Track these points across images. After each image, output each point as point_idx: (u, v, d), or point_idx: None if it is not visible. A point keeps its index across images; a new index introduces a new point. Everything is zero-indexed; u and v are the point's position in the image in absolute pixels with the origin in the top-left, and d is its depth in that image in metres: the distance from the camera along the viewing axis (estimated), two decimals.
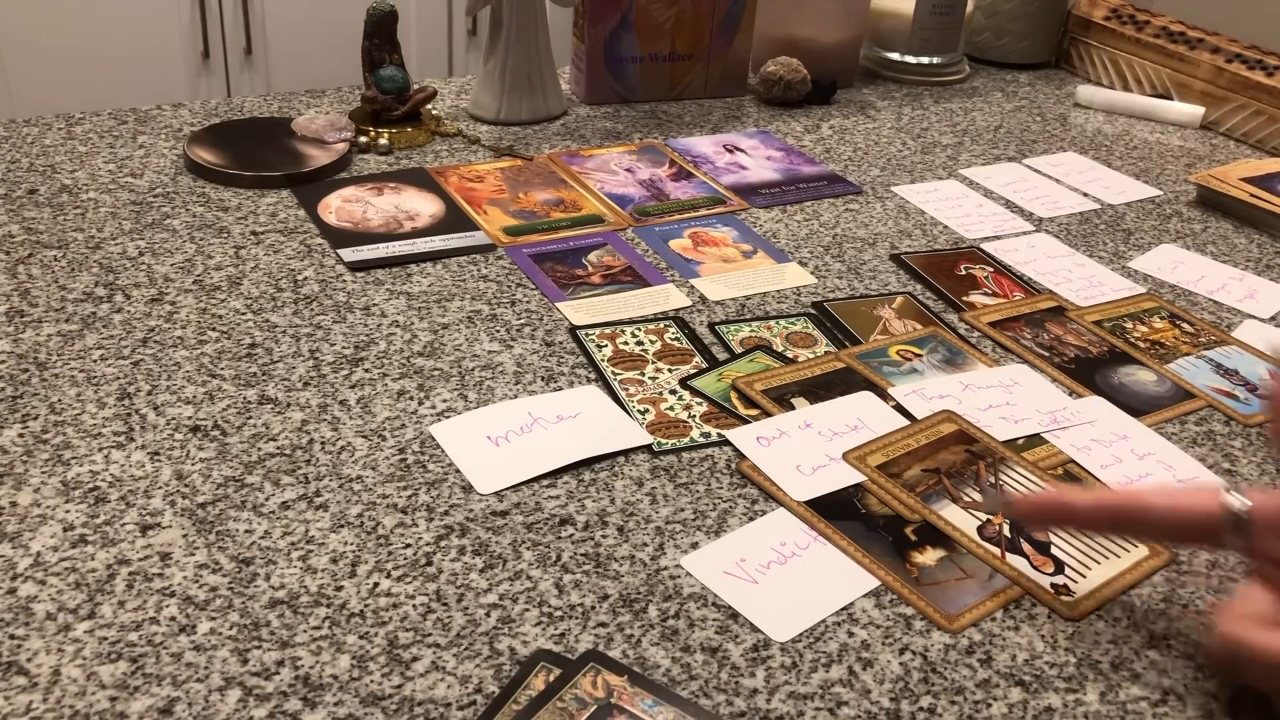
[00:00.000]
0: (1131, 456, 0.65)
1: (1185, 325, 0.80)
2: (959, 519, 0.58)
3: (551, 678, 0.47)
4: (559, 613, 0.51)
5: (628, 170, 0.97)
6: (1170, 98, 1.24)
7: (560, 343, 0.71)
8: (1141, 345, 0.77)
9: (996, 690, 0.49)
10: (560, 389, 0.67)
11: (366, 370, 0.67)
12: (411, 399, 0.65)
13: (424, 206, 0.87)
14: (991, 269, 0.86)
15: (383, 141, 0.96)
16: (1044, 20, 1.32)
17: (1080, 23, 1.34)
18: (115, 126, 0.97)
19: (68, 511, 0.55)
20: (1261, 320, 0.82)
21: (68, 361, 0.66)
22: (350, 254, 0.79)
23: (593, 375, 0.68)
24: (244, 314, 0.72)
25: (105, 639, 0.48)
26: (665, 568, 0.54)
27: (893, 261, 0.86)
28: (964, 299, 0.81)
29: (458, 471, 0.59)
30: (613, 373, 0.69)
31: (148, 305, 0.72)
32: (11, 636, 0.48)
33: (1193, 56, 1.21)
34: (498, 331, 0.72)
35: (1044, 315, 0.80)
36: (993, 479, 0.62)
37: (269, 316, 0.72)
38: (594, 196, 0.92)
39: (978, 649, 0.51)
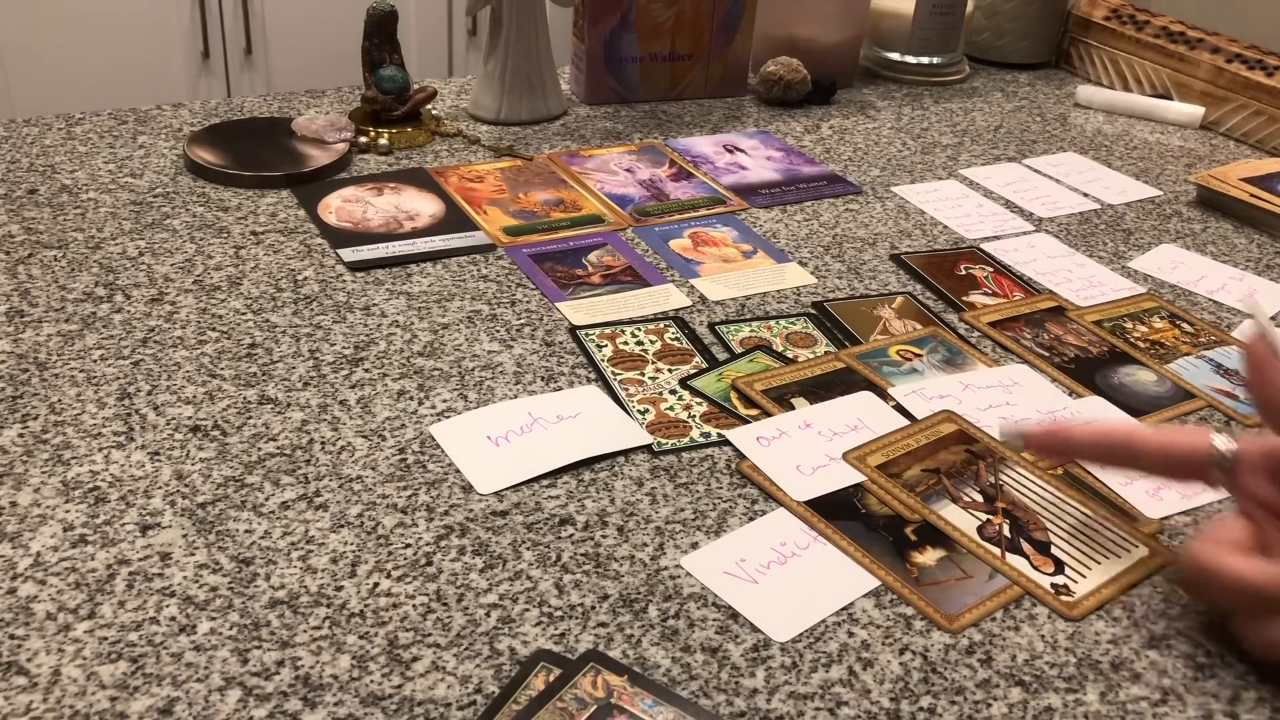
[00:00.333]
0: None
1: (1185, 325, 0.80)
2: (959, 519, 0.58)
3: (551, 678, 0.47)
4: (559, 613, 0.51)
5: (628, 170, 0.97)
6: (1170, 98, 1.24)
7: (560, 343, 0.71)
8: (1141, 345, 0.77)
9: (996, 690, 0.49)
10: (560, 389, 0.67)
11: (366, 370, 0.67)
12: (411, 399, 0.65)
13: (424, 206, 0.87)
14: (991, 269, 0.86)
15: (383, 141, 0.96)
16: (1044, 20, 1.32)
17: (1080, 23, 1.34)
18: (115, 126, 0.97)
19: (68, 511, 0.55)
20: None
21: (68, 361, 0.66)
22: (350, 254, 0.79)
23: (593, 375, 0.68)
24: (244, 314, 0.72)
25: (105, 639, 0.48)
26: (665, 568, 0.54)
27: (893, 261, 0.86)
28: (964, 299, 0.81)
29: (458, 471, 0.59)
30: (613, 373, 0.69)
31: (148, 305, 0.72)
32: (11, 636, 0.48)
33: (1193, 56, 1.21)
34: (498, 331, 0.72)
35: (1044, 315, 0.80)
36: (992, 479, 0.62)
37: (269, 316, 0.72)
38: (594, 196, 0.92)
39: (978, 649, 0.51)
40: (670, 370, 0.69)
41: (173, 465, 0.58)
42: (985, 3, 1.32)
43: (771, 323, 0.76)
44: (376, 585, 0.52)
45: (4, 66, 1.99)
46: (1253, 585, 0.49)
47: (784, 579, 0.54)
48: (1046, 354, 0.75)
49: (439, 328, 0.72)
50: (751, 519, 0.58)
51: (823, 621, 0.52)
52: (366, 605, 0.51)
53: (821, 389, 0.69)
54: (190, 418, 0.62)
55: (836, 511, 0.58)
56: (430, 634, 0.49)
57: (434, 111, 1.04)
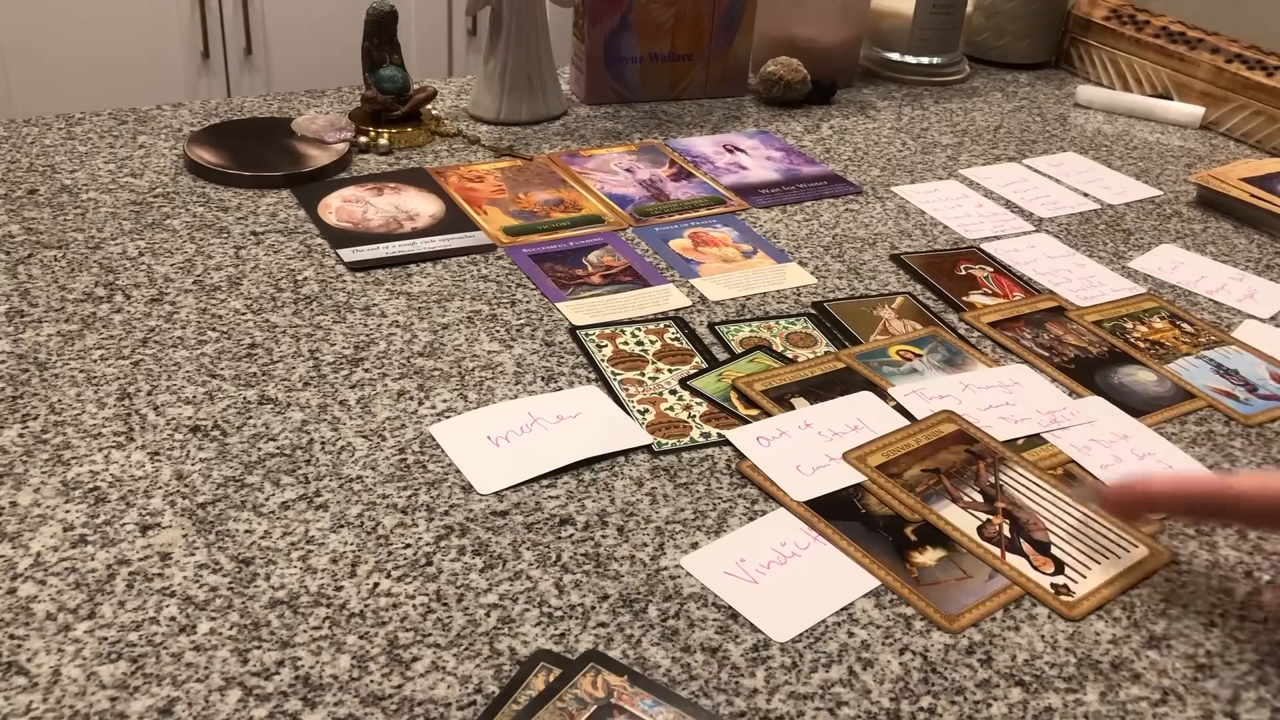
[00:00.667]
0: (1131, 456, 0.65)
1: (1185, 325, 0.80)
2: (959, 519, 0.58)
3: (551, 678, 0.47)
4: (559, 613, 0.51)
5: (628, 170, 0.97)
6: (1170, 98, 1.24)
7: (560, 343, 0.71)
8: (1141, 345, 0.77)
9: (996, 690, 0.49)
10: (560, 389, 0.67)
11: (366, 370, 0.67)
12: (411, 399, 0.65)
13: (424, 206, 0.87)
14: (991, 269, 0.86)
15: (383, 141, 0.96)
16: (1044, 20, 1.32)
17: (1080, 23, 1.34)
18: (115, 126, 0.97)
19: (68, 511, 0.55)
20: (1261, 320, 0.82)
21: (68, 361, 0.66)
22: (350, 254, 0.79)
23: (593, 375, 0.68)
24: (244, 314, 0.72)
25: (105, 639, 0.48)
26: (665, 568, 0.54)
27: (893, 261, 0.86)
28: (964, 299, 0.81)
29: (458, 471, 0.59)
30: (613, 373, 0.69)
31: (148, 305, 0.72)
32: (11, 636, 0.48)
33: (1193, 56, 1.21)
34: (498, 331, 0.72)
35: (1044, 315, 0.80)
36: (992, 479, 0.62)
37: (269, 316, 0.72)
38: (594, 196, 0.92)
39: (978, 649, 0.51)
40: (670, 370, 0.69)
41: (173, 465, 0.58)
42: (985, 3, 1.32)
43: (771, 323, 0.76)
44: (376, 585, 0.52)
45: (4, 66, 1.99)
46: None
47: (784, 579, 0.54)
48: (1046, 354, 0.75)
49: (439, 328, 0.72)
50: (751, 519, 0.58)
51: (823, 621, 0.52)
52: (366, 605, 0.51)
53: (821, 389, 0.68)
54: (190, 418, 0.62)
55: (836, 511, 0.58)
56: (430, 634, 0.49)
57: (434, 111, 1.04)
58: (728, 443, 0.63)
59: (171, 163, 0.91)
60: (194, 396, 0.64)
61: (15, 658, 0.47)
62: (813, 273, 0.83)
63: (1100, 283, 0.85)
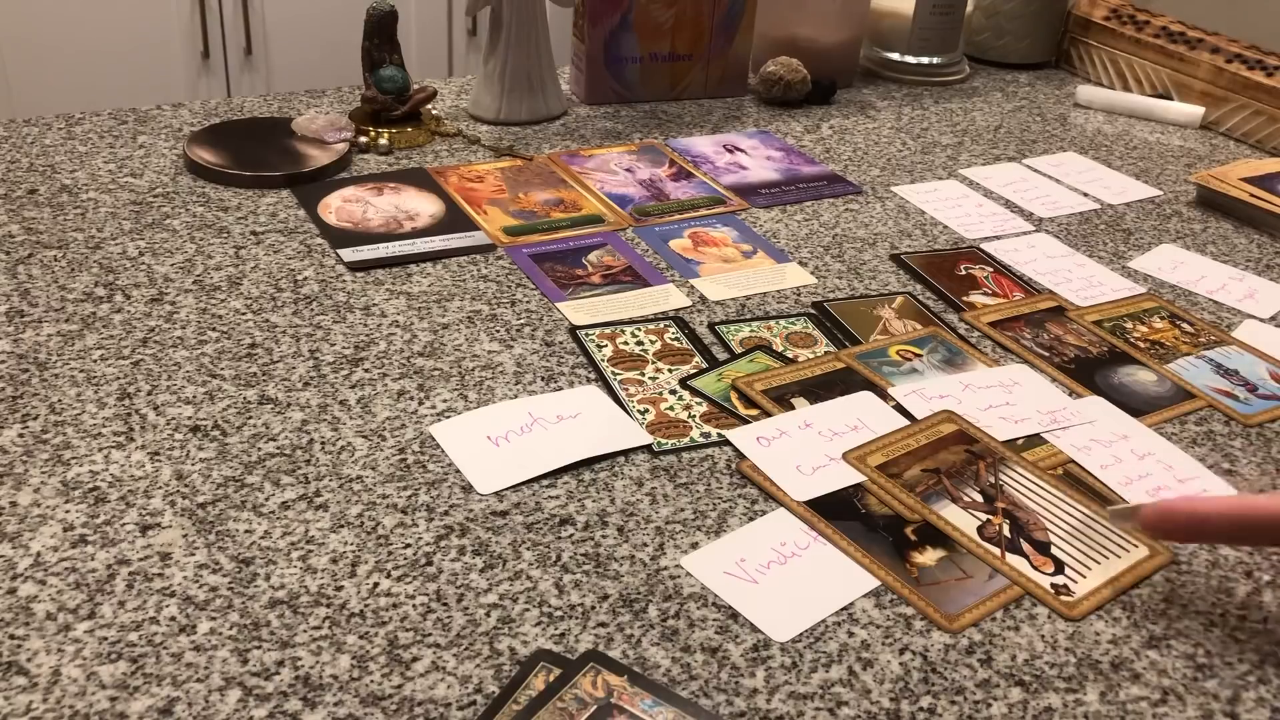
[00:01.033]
0: (1131, 456, 0.65)
1: (1185, 325, 0.80)
2: (959, 519, 0.58)
3: (551, 678, 0.47)
4: (559, 613, 0.51)
5: (628, 170, 0.97)
6: (1170, 98, 1.24)
7: (560, 343, 0.71)
8: (1141, 345, 0.77)
9: (996, 690, 0.49)
10: (560, 389, 0.67)
11: (366, 370, 0.67)
12: (411, 399, 0.65)
13: (424, 206, 0.87)
14: (991, 269, 0.86)
15: (383, 141, 0.96)
16: (1044, 20, 1.32)
17: (1080, 23, 1.34)
18: (115, 126, 0.97)
19: (68, 511, 0.55)
20: (1261, 320, 0.82)
21: (68, 361, 0.66)
22: (350, 254, 0.79)
23: (593, 375, 0.68)
24: (244, 314, 0.72)
25: (105, 639, 0.48)
26: (665, 568, 0.54)
27: (893, 261, 0.86)
28: (964, 299, 0.81)
29: (458, 471, 0.59)
30: (613, 373, 0.69)
31: (148, 305, 0.72)
32: (11, 636, 0.48)
33: (1193, 56, 1.21)
34: (498, 331, 0.72)
35: (1044, 315, 0.80)
36: (992, 479, 0.62)
37: (269, 316, 0.72)
38: (594, 196, 0.92)
39: (978, 649, 0.51)
40: (670, 370, 0.69)
41: (173, 465, 0.58)
42: (985, 3, 1.32)
43: (771, 323, 0.76)
44: (376, 585, 0.52)
45: (4, 66, 1.99)
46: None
47: (784, 579, 0.54)
48: (1046, 354, 0.75)
49: (439, 328, 0.72)
50: (751, 519, 0.58)
51: (823, 621, 0.52)
52: (366, 605, 0.51)
53: (821, 389, 0.68)
54: (190, 418, 0.62)
55: (836, 511, 0.58)
56: (430, 634, 0.49)
57: (434, 111, 1.04)
58: (728, 443, 0.63)
59: (171, 163, 0.91)
60: (194, 396, 0.64)
61: (15, 658, 0.47)
62: (813, 273, 0.83)
63: (1100, 283, 0.85)
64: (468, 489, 0.58)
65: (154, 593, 0.50)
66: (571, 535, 0.56)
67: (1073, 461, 0.64)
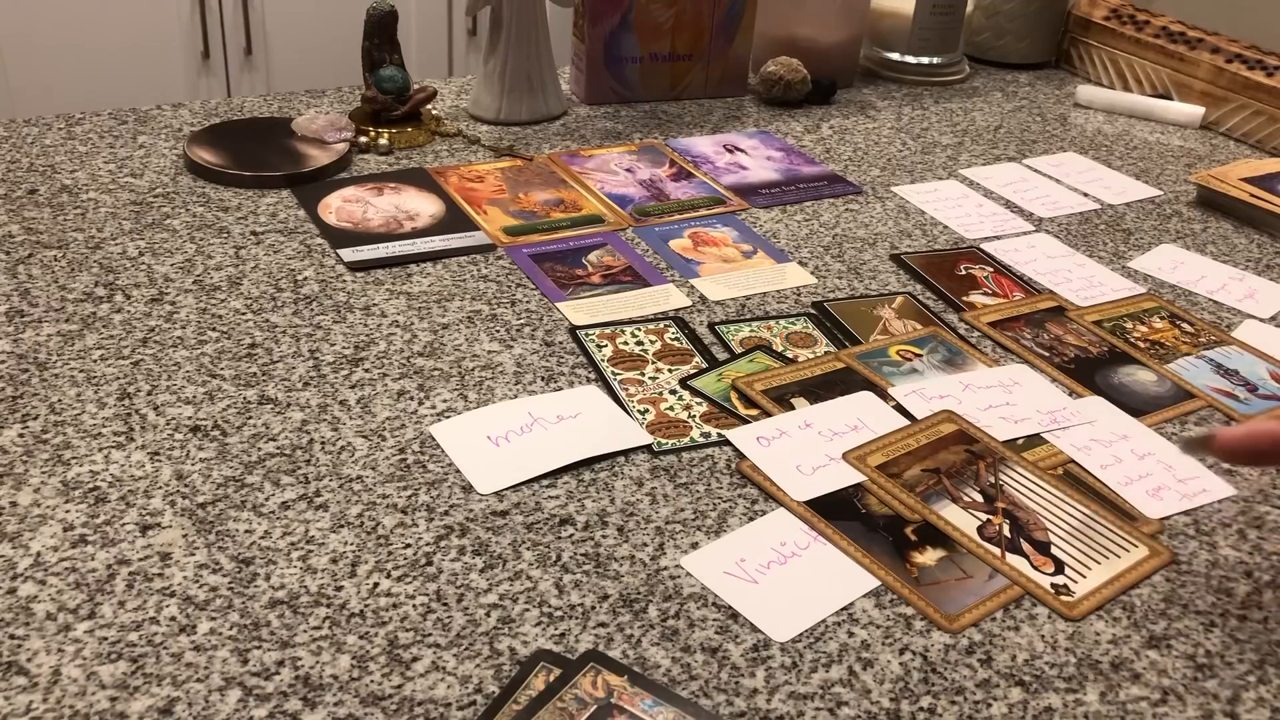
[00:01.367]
0: (1131, 456, 0.65)
1: (1185, 325, 0.80)
2: (959, 519, 0.58)
3: (551, 678, 0.47)
4: (559, 613, 0.51)
5: (628, 170, 0.97)
6: (1170, 98, 1.24)
7: (560, 343, 0.71)
8: (1141, 345, 0.77)
9: (996, 690, 0.49)
10: (560, 389, 0.67)
11: (366, 370, 0.67)
12: (411, 399, 0.65)
13: (424, 206, 0.87)
14: (991, 269, 0.86)
15: (383, 141, 0.96)
16: (1044, 20, 1.32)
17: (1080, 23, 1.34)
18: (115, 126, 0.97)
19: (68, 511, 0.55)
20: (1261, 320, 0.82)
21: (68, 361, 0.66)
22: (350, 254, 0.79)
23: (593, 375, 0.68)
24: (244, 314, 0.72)
25: (105, 639, 0.48)
26: (665, 568, 0.54)
27: (893, 261, 0.86)
28: (964, 299, 0.81)
29: (458, 471, 0.59)
30: (613, 373, 0.69)
31: (148, 305, 0.72)
32: (11, 636, 0.48)
33: (1193, 56, 1.21)
34: (498, 331, 0.72)
35: (1044, 315, 0.80)
36: (992, 479, 0.62)
37: (269, 316, 0.72)
38: (594, 196, 0.92)
39: (978, 649, 0.51)
40: (670, 370, 0.69)
41: (173, 465, 0.58)
42: (985, 3, 1.32)
43: (771, 323, 0.76)
44: (376, 585, 0.52)
45: (4, 66, 1.99)
46: None
47: (784, 579, 0.54)
48: (1046, 354, 0.75)
49: (439, 328, 0.72)
50: (751, 519, 0.58)
51: (823, 621, 0.52)
52: (366, 605, 0.51)
53: (821, 389, 0.68)
54: (190, 418, 0.62)
55: (836, 511, 0.58)
56: (430, 634, 0.49)
57: (434, 111, 1.04)
58: (728, 443, 0.63)
59: (171, 163, 0.91)
60: (194, 396, 0.64)
61: (15, 658, 0.47)
62: (813, 273, 0.83)
63: (1100, 283, 0.85)
64: (468, 489, 0.58)
65: (154, 593, 0.50)
66: (571, 535, 0.56)
67: (1073, 461, 0.64)
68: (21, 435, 0.60)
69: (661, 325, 0.74)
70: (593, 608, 0.51)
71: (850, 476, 0.61)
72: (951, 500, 0.60)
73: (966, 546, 0.57)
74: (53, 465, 0.58)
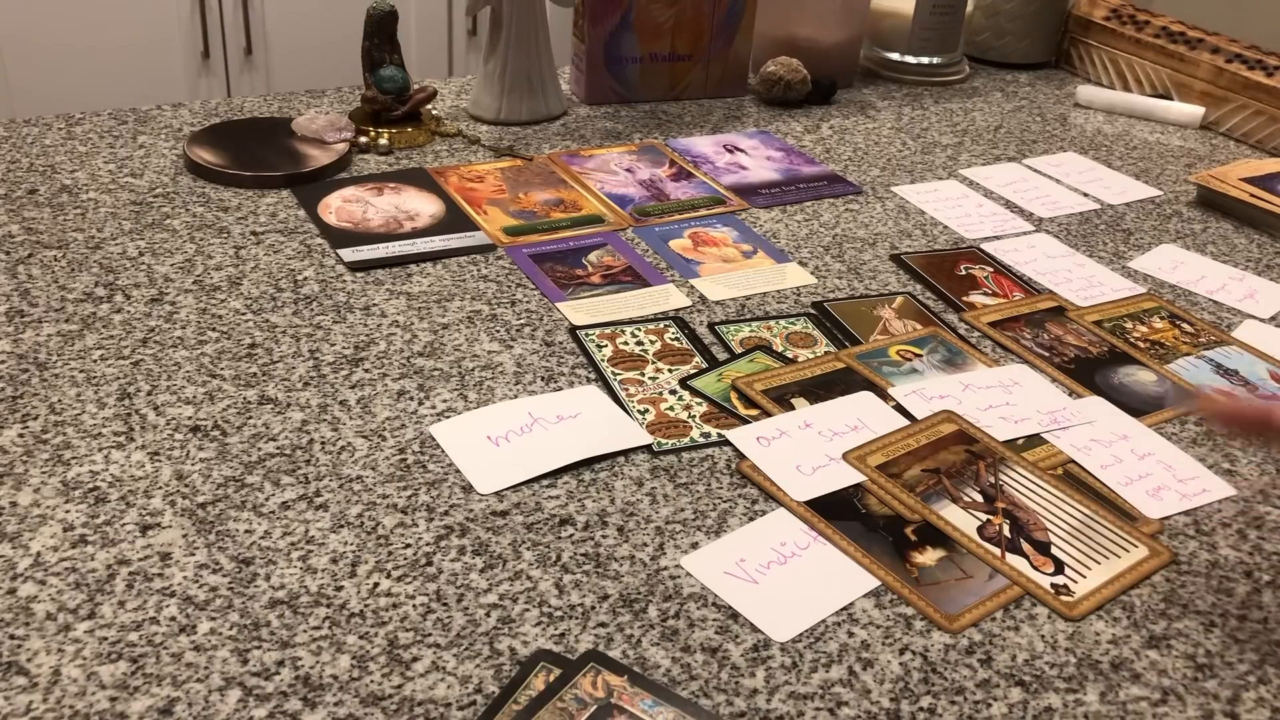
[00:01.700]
0: (1131, 456, 0.65)
1: (1185, 325, 0.80)
2: (959, 519, 0.58)
3: (551, 678, 0.47)
4: (559, 613, 0.51)
5: (628, 170, 0.97)
6: (1170, 98, 1.24)
7: (560, 343, 0.71)
8: (1141, 345, 0.77)
9: (996, 690, 0.49)
10: (560, 389, 0.67)
11: (366, 370, 0.67)
12: (411, 399, 0.65)
13: (424, 206, 0.87)
14: (991, 269, 0.86)
15: (383, 141, 0.96)
16: (1044, 20, 1.32)
17: (1080, 23, 1.34)
18: (115, 126, 0.97)
19: (68, 511, 0.55)
20: (1261, 320, 0.82)
21: (68, 361, 0.66)
22: (350, 254, 0.79)
23: (593, 375, 0.68)
24: (244, 314, 0.72)
25: (105, 639, 0.48)
26: (665, 568, 0.54)
27: (893, 261, 0.86)
28: (964, 299, 0.81)
29: (458, 471, 0.59)
30: (613, 373, 0.69)
31: (148, 305, 0.72)
32: (11, 636, 0.48)
33: (1193, 56, 1.21)
34: (498, 331, 0.72)
35: (1044, 315, 0.80)
36: (992, 479, 0.62)
37: (269, 316, 0.72)
38: (594, 196, 0.92)
39: (978, 649, 0.51)
40: (670, 370, 0.69)
41: (173, 465, 0.58)
42: (985, 3, 1.32)
43: (771, 323, 0.76)
44: (376, 585, 0.52)
45: (4, 66, 1.99)
46: None
47: (784, 579, 0.54)
48: (1046, 354, 0.75)
49: (439, 328, 0.72)
50: (751, 519, 0.58)
51: (823, 621, 0.52)
52: (366, 605, 0.51)
53: (821, 389, 0.68)
54: (190, 418, 0.62)
55: (836, 511, 0.58)
56: (430, 634, 0.49)
57: (434, 111, 1.04)
58: (728, 443, 0.63)
59: (171, 163, 0.91)
60: (194, 396, 0.64)
61: (15, 658, 0.47)
62: (813, 273, 0.83)
63: (1100, 283, 0.85)
64: (468, 489, 0.58)
65: (154, 593, 0.50)
66: (571, 535, 0.56)
67: (1073, 461, 0.64)
68: (21, 435, 0.60)
69: (661, 325, 0.74)
70: (593, 608, 0.51)
71: (850, 476, 0.61)
72: (951, 500, 0.60)
73: (966, 546, 0.57)
74: (53, 465, 0.58)
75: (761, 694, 0.48)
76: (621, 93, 1.12)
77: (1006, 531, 0.58)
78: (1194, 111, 1.20)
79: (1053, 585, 0.55)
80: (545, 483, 0.59)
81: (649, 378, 0.68)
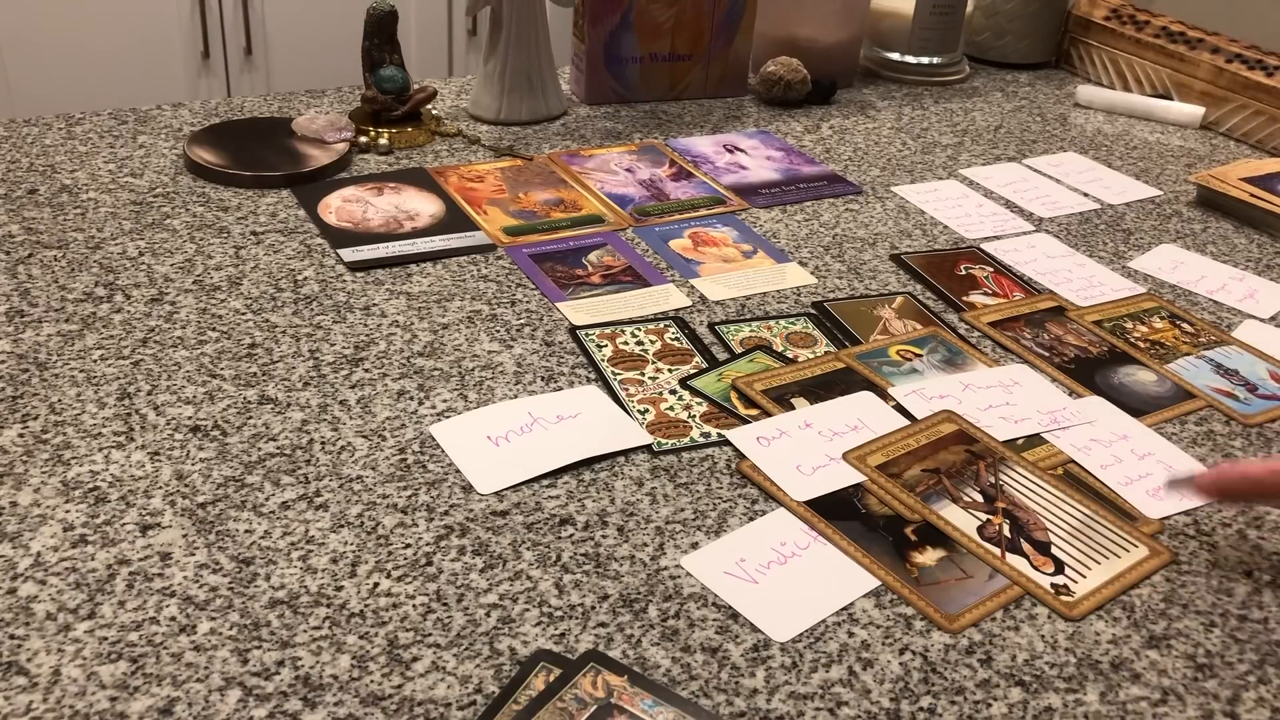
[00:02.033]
0: (1131, 456, 0.65)
1: (1185, 325, 0.80)
2: (959, 519, 0.58)
3: (551, 678, 0.47)
4: (559, 613, 0.51)
5: (628, 170, 0.97)
6: (1170, 98, 1.24)
7: (560, 343, 0.71)
8: (1141, 345, 0.77)
9: (996, 690, 0.49)
10: (560, 389, 0.67)
11: (366, 370, 0.67)
12: (411, 399, 0.65)
13: (424, 206, 0.87)
14: (991, 269, 0.86)
15: (383, 141, 0.96)
16: (1044, 20, 1.32)
17: (1080, 23, 1.34)
18: (115, 126, 0.97)
19: (68, 511, 0.55)
20: (1261, 320, 0.82)
21: (68, 361, 0.66)
22: (350, 254, 0.79)
23: (593, 375, 0.68)
24: (244, 314, 0.72)
25: (105, 639, 0.48)
26: (665, 568, 0.54)
27: (893, 261, 0.86)
28: (964, 299, 0.81)
29: (458, 471, 0.59)
30: (613, 373, 0.69)
31: (148, 305, 0.72)
32: (11, 636, 0.48)
33: (1193, 56, 1.21)
34: (498, 331, 0.72)
35: (1044, 315, 0.80)
36: (992, 479, 0.62)
37: (269, 316, 0.72)
38: (594, 196, 0.92)
39: (978, 649, 0.51)
40: (670, 370, 0.69)
41: (173, 465, 0.58)
42: (985, 3, 1.32)
43: (771, 323, 0.76)
44: (376, 585, 0.52)
45: (4, 66, 1.99)
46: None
47: (784, 579, 0.54)
48: (1046, 354, 0.75)
49: (439, 328, 0.72)
50: (751, 519, 0.58)
51: (823, 621, 0.52)
52: (366, 605, 0.51)
53: (821, 389, 0.68)
54: (190, 418, 0.62)
55: (836, 511, 0.58)
56: (430, 634, 0.49)
57: (434, 111, 1.04)
58: (728, 443, 0.63)
59: (171, 163, 0.91)
60: (194, 396, 0.64)
61: (15, 658, 0.47)
62: (813, 273, 0.83)
63: (1100, 283, 0.85)
64: (468, 489, 0.58)
65: (154, 593, 0.50)
66: (571, 535, 0.56)
67: (1073, 461, 0.64)
68: (21, 435, 0.60)
69: (661, 325, 0.74)
70: (593, 608, 0.51)
71: (850, 476, 0.61)
72: (951, 500, 0.60)
73: (966, 546, 0.57)
74: (53, 465, 0.58)
75: (761, 694, 0.48)
76: (621, 93, 1.12)
77: (1006, 531, 0.58)
78: (1194, 111, 1.20)
79: (1053, 585, 0.55)
80: (545, 483, 0.59)
81: (649, 378, 0.68)
